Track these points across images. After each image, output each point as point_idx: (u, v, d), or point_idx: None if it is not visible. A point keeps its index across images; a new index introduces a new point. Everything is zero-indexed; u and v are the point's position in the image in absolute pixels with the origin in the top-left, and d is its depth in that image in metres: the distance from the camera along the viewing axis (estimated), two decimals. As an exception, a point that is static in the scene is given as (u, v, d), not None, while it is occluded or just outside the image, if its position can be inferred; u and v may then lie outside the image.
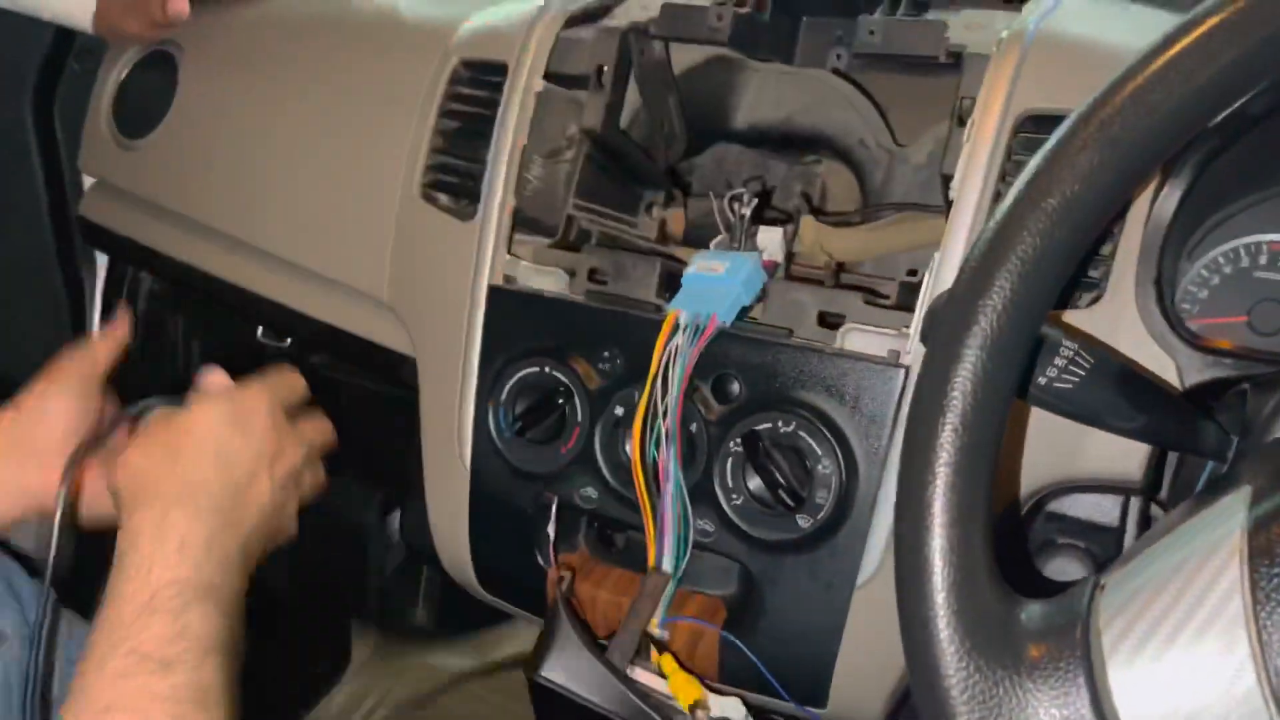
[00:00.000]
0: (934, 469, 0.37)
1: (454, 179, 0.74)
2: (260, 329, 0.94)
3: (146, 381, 1.09)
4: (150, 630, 0.56)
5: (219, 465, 0.64)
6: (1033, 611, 0.37)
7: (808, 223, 0.72)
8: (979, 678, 0.35)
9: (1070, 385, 0.47)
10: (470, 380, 0.70)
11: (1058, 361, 0.46)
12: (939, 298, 0.44)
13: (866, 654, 0.62)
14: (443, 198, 0.74)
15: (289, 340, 0.91)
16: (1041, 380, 0.46)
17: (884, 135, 0.74)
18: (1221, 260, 0.63)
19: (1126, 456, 0.55)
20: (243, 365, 1.09)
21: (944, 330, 0.40)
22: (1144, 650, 0.34)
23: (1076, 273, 0.57)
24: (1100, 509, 0.61)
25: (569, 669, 0.61)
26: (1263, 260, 0.62)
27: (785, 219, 0.73)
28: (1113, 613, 0.35)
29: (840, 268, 0.69)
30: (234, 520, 0.63)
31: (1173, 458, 0.59)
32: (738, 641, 0.63)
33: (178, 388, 1.12)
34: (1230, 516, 0.34)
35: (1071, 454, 0.56)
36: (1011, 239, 0.37)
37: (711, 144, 0.81)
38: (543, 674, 0.61)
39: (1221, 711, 0.33)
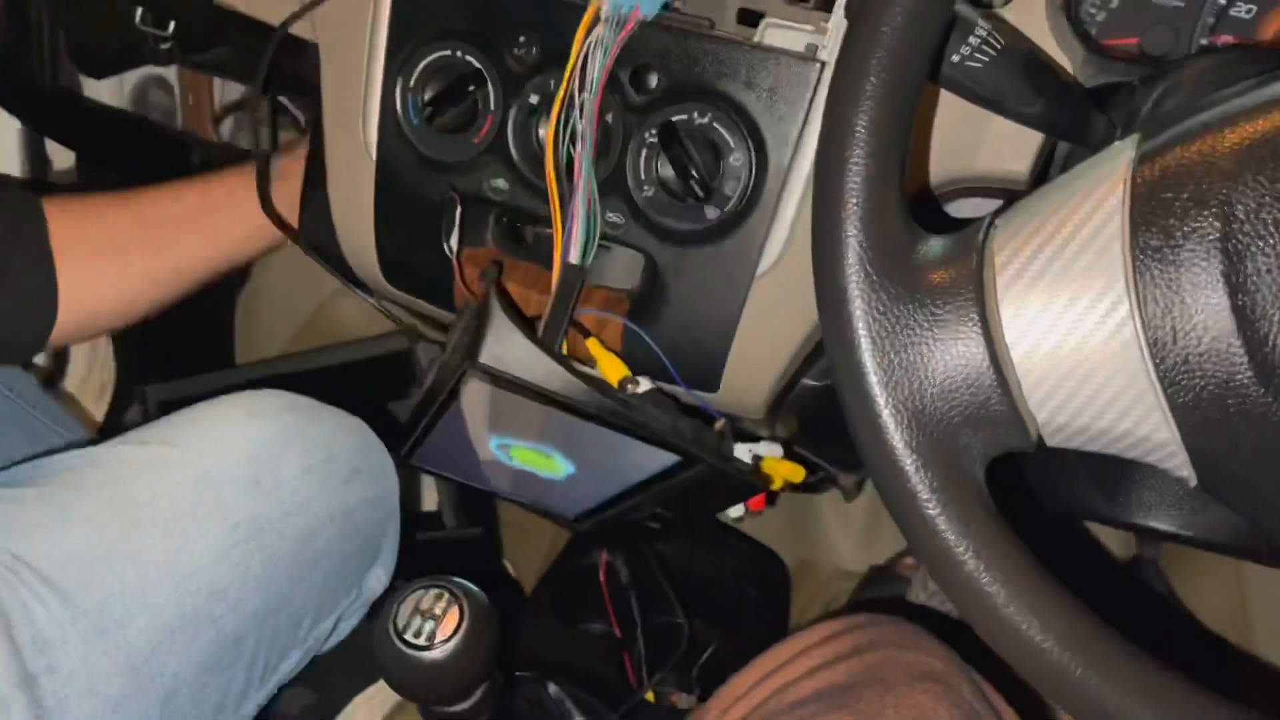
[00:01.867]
0: (857, 110, 0.39)
1: None
2: (139, 12, 0.87)
3: (10, 84, 1.01)
4: None
5: None
6: (934, 244, 0.40)
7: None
8: (882, 298, 0.39)
9: (980, 65, 0.49)
10: (377, 64, 0.68)
11: (971, 40, 0.48)
12: None
13: (758, 343, 0.66)
14: None
15: (172, 26, 0.85)
16: (954, 58, 0.49)
17: None
18: (1123, -17, 0.65)
19: (1016, 156, 0.59)
20: (118, 58, 1.02)
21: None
22: (1027, 273, 0.38)
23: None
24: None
25: (506, 354, 0.61)
26: (1160, -15, 0.65)
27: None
28: (1004, 240, 0.39)
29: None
30: None
31: (1056, 168, 0.63)
32: (639, 330, 0.66)
33: (41, 91, 1.04)
34: (1118, 154, 0.38)
35: (966, 153, 0.60)
36: None
37: None
38: (481, 361, 0.60)
39: (1098, 333, 0.37)
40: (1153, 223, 0.35)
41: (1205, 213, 0.35)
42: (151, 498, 0.63)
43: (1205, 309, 0.35)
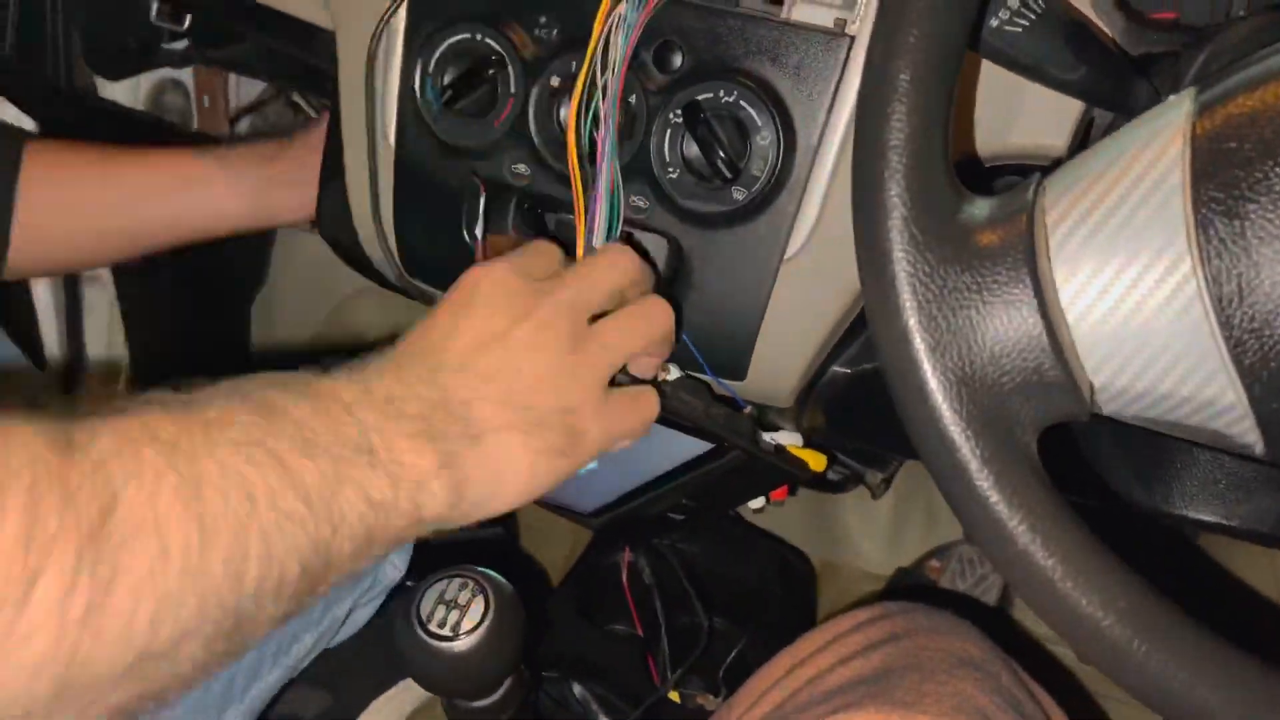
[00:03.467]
0: (899, 62, 0.38)
1: None
2: (155, 7, 0.86)
3: (26, 85, 1.01)
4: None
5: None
6: (981, 205, 0.39)
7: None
8: (928, 259, 0.37)
9: (1019, 30, 0.47)
10: (395, 50, 0.67)
11: (1010, 3, 0.47)
12: None
13: (786, 329, 0.64)
14: None
15: (187, 21, 0.84)
16: (993, 23, 0.47)
17: None
18: (1159, -45, 0.64)
19: (1054, 130, 0.57)
20: (134, 59, 1.02)
21: None
22: (1081, 231, 0.36)
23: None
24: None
25: None
26: (1199, -44, 0.63)
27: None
28: (1055, 198, 0.37)
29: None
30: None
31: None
32: (665, 316, 0.65)
33: (57, 93, 1.04)
34: (1175, 107, 0.36)
35: (1001, 127, 0.58)
36: None
37: None
38: None
39: (1159, 291, 0.35)
40: (1215, 174, 0.34)
41: (1271, 162, 0.33)
42: None
43: (1273, 264, 0.33)
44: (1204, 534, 1.05)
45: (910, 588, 1.10)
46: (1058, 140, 0.58)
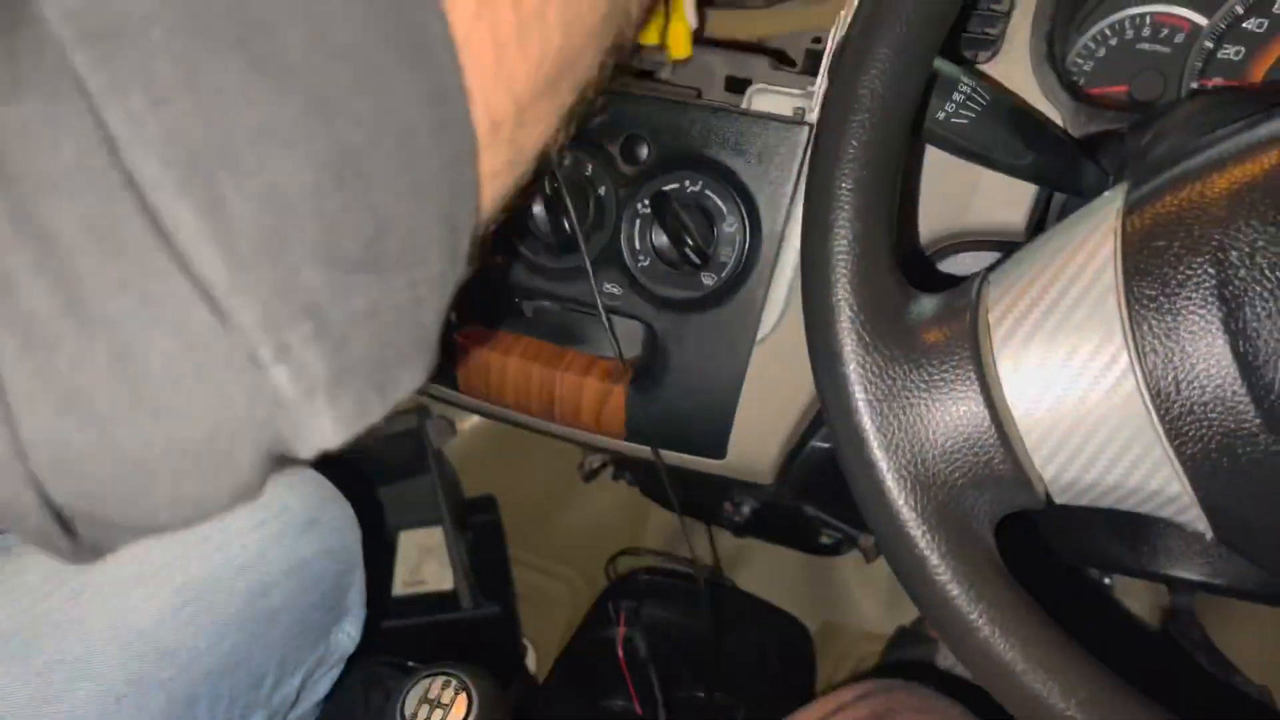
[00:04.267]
0: (839, 173, 0.39)
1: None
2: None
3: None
4: None
5: None
6: (927, 303, 0.40)
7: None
8: (877, 360, 0.38)
9: (966, 121, 0.49)
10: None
11: (955, 97, 0.48)
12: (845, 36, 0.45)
13: (763, 408, 0.65)
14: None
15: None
16: (940, 115, 0.49)
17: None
18: (1108, 32, 0.65)
19: (1011, 207, 0.58)
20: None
21: (849, 57, 0.41)
22: (1022, 328, 0.37)
23: (975, 30, 0.59)
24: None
25: None
26: (1145, 32, 0.65)
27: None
28: (997, 296, 0.38)
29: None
30: None
31: (1053, 217, 0.63)
32: (643, 399, 0.66)
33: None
34: (1107, 204, 0.37)
35: (960, 206, 0.59)
36: None
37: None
38: None
39: (1099, 386, 0.36)
40: (1147, 272, 0.35)
41: (1199, 260, 0.34)
42: (96, 565, 0.63)
43: (1206, 357, 0.34)
44: (1202, 594, 1.04)
45: (903, 662, 1.09)
46: (1015, 218, 0.59)
